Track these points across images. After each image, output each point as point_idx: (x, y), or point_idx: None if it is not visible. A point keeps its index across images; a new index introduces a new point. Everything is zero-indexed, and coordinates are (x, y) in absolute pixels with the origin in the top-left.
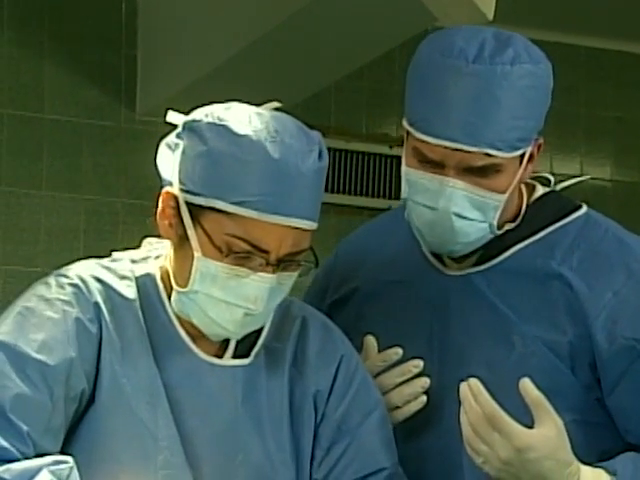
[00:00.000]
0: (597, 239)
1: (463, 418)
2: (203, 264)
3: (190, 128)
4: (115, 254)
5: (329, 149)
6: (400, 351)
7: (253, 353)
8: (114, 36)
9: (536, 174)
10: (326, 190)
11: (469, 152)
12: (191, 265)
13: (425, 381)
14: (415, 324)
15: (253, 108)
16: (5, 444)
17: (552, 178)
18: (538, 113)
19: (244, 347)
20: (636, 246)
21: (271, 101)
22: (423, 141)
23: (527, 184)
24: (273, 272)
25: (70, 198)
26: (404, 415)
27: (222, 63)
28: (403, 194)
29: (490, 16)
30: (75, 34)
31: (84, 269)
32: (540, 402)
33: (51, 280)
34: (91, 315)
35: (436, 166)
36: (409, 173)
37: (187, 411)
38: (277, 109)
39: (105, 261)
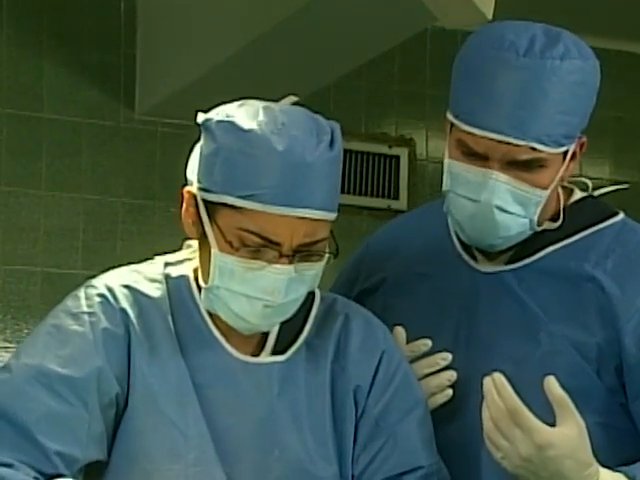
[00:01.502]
0: (633, 245)
1: (485, 412)
2: (220, 259)
3: (205, 127)
4: (157, 258)
5: None
6: (429, 342)
7: (292, 350)
8: (113, 36)
9: (574, 179)
10: None
11: (515, 145)
12: (211, 261)
13: (452, 374)
14: (442, 317)
15: (264, 103)
16: (17, 465)
17: (590, 183)
18: (584, 110)
19: (283, 344)
20: None
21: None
22: (469, 133)
23: (565, 187)
24: (289, 263)
25: (69, 198)
26: (429, 407)
27: (221, 62)
28: (445, 186)
29: (489, 15)
30: (74, 34)
31: (113, 277)
32: (563, 401)
33: (80, 293)
34: (118, 322)
35: (480, 159)
36: (452, 165)
37: (221, 409)
38: (295, 103)
39: (139, 265)
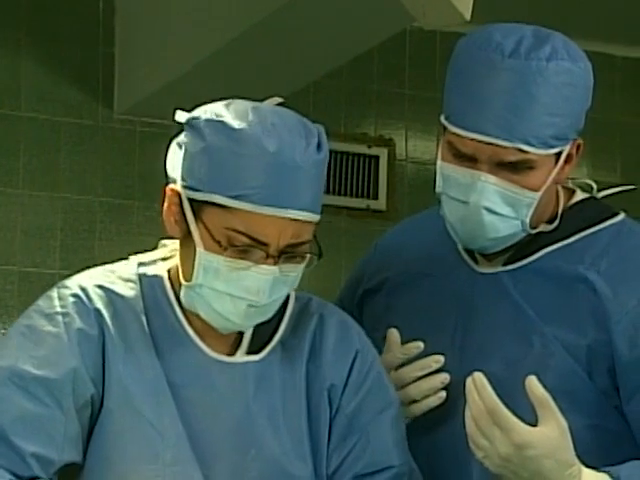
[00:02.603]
0: (629, 246)
1: (467, 412)
2: (205, 258)
3: (190, 125)
4: (131, 258)
5: None
6: (421, 345)
7: (267, 349)
8: (92, 34)
9: (579, 180)
10: None
11: (501, 147)
12: (194, 260)
13: (445, 377)
14: (440, 318)
15: (252, 103)
16: None
17: (594, 185)
18: (576, 111)
19: (258, 344)
20: None
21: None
22: (457, 134)
23: (567, 189)
24: (274, 264)
25: (47, 197)
26: (421, 410)
27: (200, 62)
28: (437, 188)
29: (467, 16)
30: (52, 32)
31: (86, 278)
32: (545, 401)
33: (53, 293)
34: (92, 322)
35: (469, 160)
36: (444, 167)
37: (196, 409)
38: (279, 104)
39: (112, 265)
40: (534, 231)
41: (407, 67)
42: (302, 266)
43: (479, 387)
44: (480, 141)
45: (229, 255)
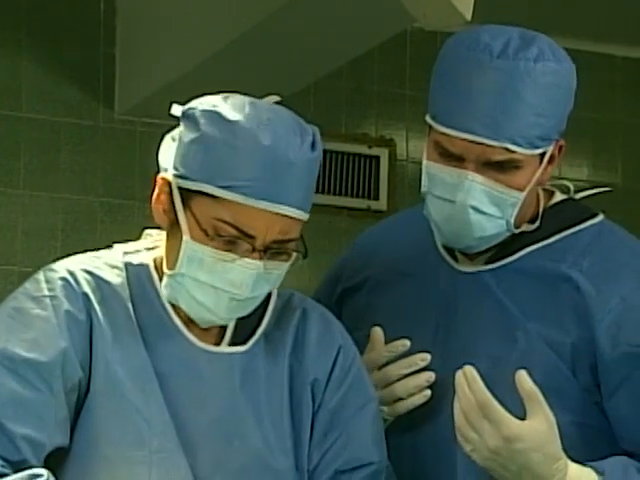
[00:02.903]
0: (610, 246)
1: (456, 405)
2: (191, 247)
3: (186, 116)
4: (115, 246)
5: None
6: (408, 343)
7: (251, 341)
8: (92, 34)
9: (556, 182)
10: None
11: (489, 146)
12: (180, 249)
13: (430, 375)
14: (422, 317)
15: (249, 98)
16: None
17: (571, 186)
18: (560, 112)
19: (242, 335)
20: None
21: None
22: (444, 134)
23: (546, 190)
24: (259, 259)
25: (48, 197)
26: (407, 407)
27: (201, 62)
28: (423, 188)
29: (468, 17)
30: (53, 32)
31: (73, 262)
32: (534, 395)
33: (40, 276)
34: (80, 306)
35: (456, 160)
36: (429, 167)
37: (182, 398)
38: (277, 102)
39: (97, 252)
40: (517, 230)
41: (408, 68)
42: (286, 266)
43: (470, 380)
44: (468, 140)
45: (215, 246)
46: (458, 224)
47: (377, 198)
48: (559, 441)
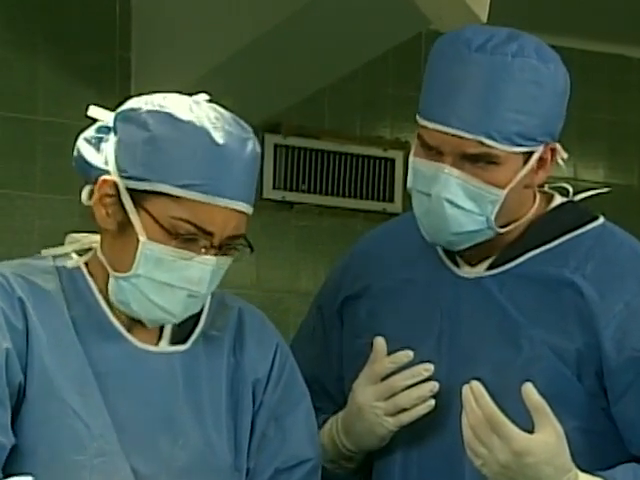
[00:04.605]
0: (612, 249)
1: (464, 420)
2: (148, 247)
3: (127, 118)
4: (43, 251)
5: (323, 151)
6: (411, 354)
7: (191, 340)
8: (108, 38)
9: (555, 184)
10: (320, 193)
11: (463, 138)
12: (135, 250)
13: (434, 385)
14: (425, 324)
15: (187, 97)
16: None
17: (571, 188)
18: (542, 112)
19: (181, 335)
20: None
21: (262, 105)
22: (424, 127)
23: (545, 193)
24: (215, 255)
25: (63, 200)
26: (411, 418)
27: (216, 65)
28: (408, 184)
29: (484, 18)
30: (69, 36)
31: (5, 267)
32: (541, 407)
33: None
34: (16, 310)
35: (436, 154)
36: (413, 162)
37: (123, 399)
38: (209, 101)
39: (26, 259)
40: (503, 230)
41: (423, 70)
42: (231, 260)
43: (477, 395)
44: (442, 132)
45: (173, 245)
46: (435, 218)
47: (392, 200)
48: (568, 452)
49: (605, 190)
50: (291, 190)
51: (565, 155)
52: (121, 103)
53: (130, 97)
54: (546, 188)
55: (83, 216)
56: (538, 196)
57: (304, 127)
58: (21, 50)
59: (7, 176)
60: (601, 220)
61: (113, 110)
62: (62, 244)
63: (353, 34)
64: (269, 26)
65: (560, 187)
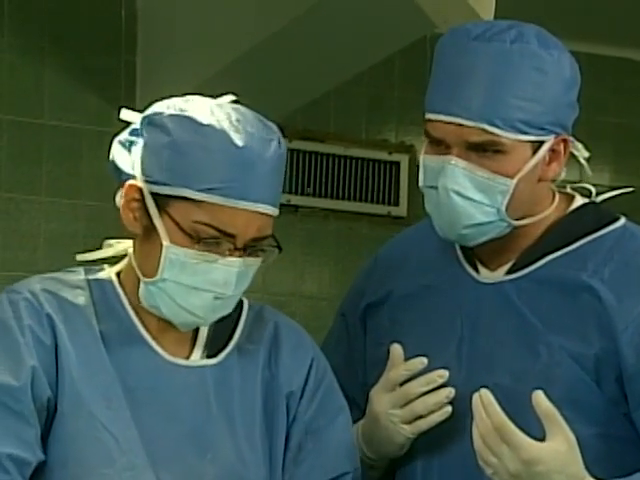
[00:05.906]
0: (631, 251)
1: (474, 429)
2: (172, 252)
3: (151, 122)
4: (78, 257)
5: (328, 155)
6: (425, 361)
7: (224, 353)
8: (114, 42)
9: (576, 185)
10: (325, 196)
11: (466, 127)
12: (159, 254)
13: (450, 391)
14: (446, 330)
15: (210, 100)
16: None
17: (593, 189)
18: (548, 100)
19: (215, 348)
20: None
21: (267, 108)
22: (429, 120)
23: (566, 194)
24: (240, 257)
25: (70, 204)
26: (428, 424)
27: (221, 69)
28: (420, 182)
29: None
30: (75, 40)
31: (35, 283)
32: (552, 415)
33: (3, 298)
34: (45, 327)
35: (444, 148)
36: (423, 159)
37: (151, 412)
38: (234, 102)
39: (57, 274)
40: (517, 223)
41: (428, 73)
42: (259, 260)
43: (486, 404)
44: (444, 121)
45: (196, 248)
46: (445, 210)
47: (397, 204)
48: (581, 460)
49: (628, 190)
50: (296, 193)
51: (586, 154)
52: (127, 107)
53: (135, 101)
54: (568, 189)
55: (89, 220)
56: (558, 196)
57: (309, 130)
58: (27, 54)
59: (13, 180)
60: (622, 221)
61: (118, 113)
62: (67, 248)
63: (358, 37)
64: (274, 29)
65: (582, 187)
